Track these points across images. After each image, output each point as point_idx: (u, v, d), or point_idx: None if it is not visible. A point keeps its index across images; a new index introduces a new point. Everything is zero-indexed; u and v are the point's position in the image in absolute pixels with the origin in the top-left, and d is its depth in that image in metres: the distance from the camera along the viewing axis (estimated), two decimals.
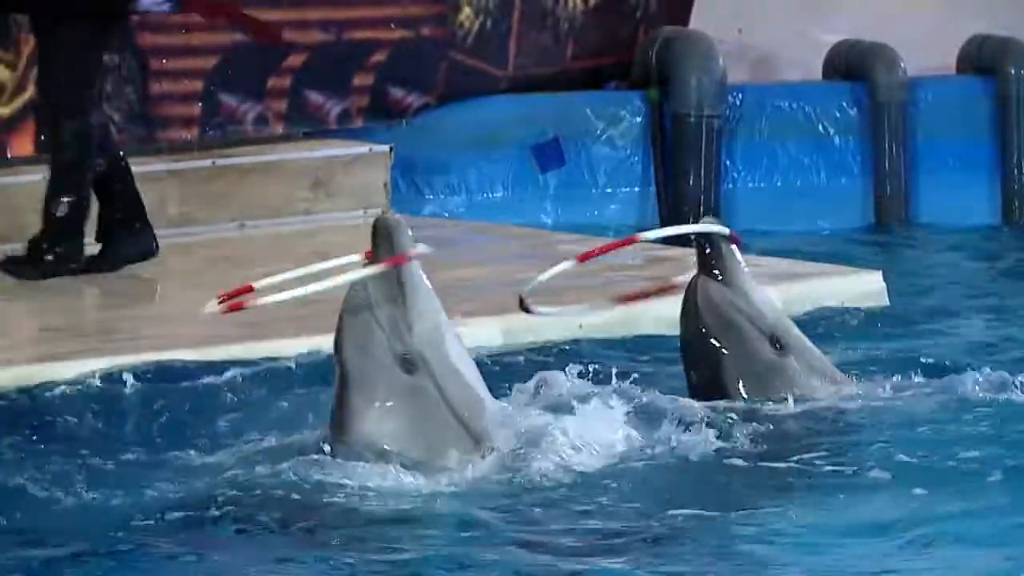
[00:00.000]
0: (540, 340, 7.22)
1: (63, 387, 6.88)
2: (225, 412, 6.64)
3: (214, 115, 10.01)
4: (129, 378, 6.81)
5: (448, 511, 5.82)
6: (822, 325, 7.57)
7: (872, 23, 11.20)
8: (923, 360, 7.01)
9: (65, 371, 7.05)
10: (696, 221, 8.94)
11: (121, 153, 8.66)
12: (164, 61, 9.72)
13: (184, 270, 8.67)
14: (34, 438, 6.42)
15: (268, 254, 8.84)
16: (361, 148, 9.95)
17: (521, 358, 7.04)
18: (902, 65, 10.81)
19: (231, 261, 8.76)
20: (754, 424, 6.35)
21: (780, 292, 7.83)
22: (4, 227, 8.77)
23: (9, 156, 9.86)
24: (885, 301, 8.12)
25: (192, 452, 6.13)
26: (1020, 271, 9.73)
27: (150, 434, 6.49)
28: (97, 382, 6.86)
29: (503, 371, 6.74)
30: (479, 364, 6.45)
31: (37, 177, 8.83)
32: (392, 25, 10.32)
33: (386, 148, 9.80)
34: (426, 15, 10.49)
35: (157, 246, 8.42)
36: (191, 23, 9.45)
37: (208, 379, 6.91)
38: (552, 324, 7.28)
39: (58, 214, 8.43)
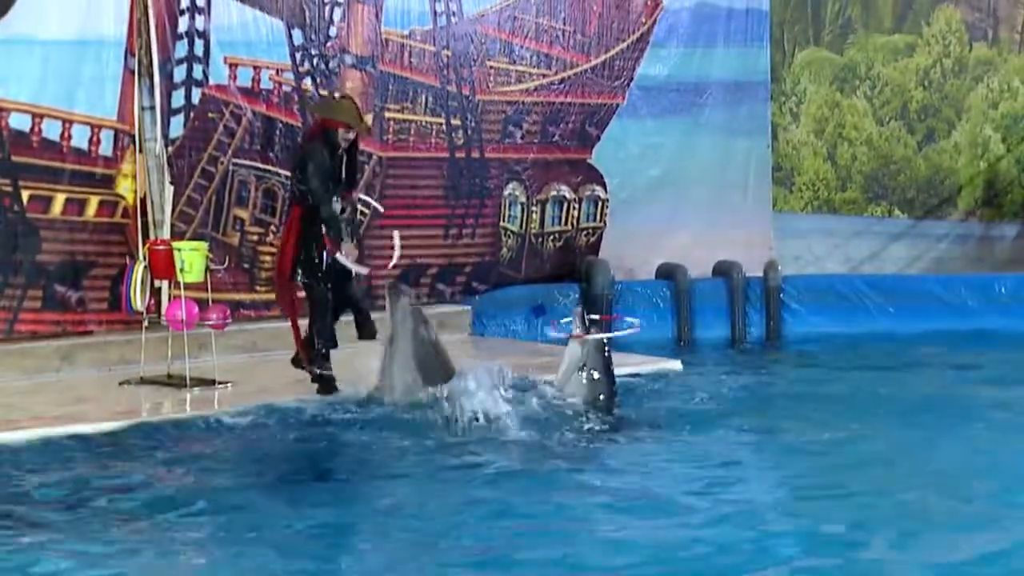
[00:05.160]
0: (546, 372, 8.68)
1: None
2: None
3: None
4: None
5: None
6: (646, 383, 9.30)
7: (678, 254, 12.42)
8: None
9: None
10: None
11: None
12: (379, 273, 10.30)
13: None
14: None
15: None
16: (460, 307, 11.47)
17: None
18: (689, 273, 12.16)
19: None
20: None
21: (634, 367, 9.42)
22: None
23: None
24: (680, 371, 9.87)
25: None
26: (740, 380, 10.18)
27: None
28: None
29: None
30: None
31: None
32: (472, 255, 11.69)
33: (469, 307, 11.44)
34: (487, 252, 11.80)
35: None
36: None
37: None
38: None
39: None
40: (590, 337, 8.14)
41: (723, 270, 12.44)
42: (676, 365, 10.17)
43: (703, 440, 7.78)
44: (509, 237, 12.12)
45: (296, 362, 8.80)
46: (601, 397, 8.28)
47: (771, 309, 12.15)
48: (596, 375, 8.32)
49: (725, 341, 12.06)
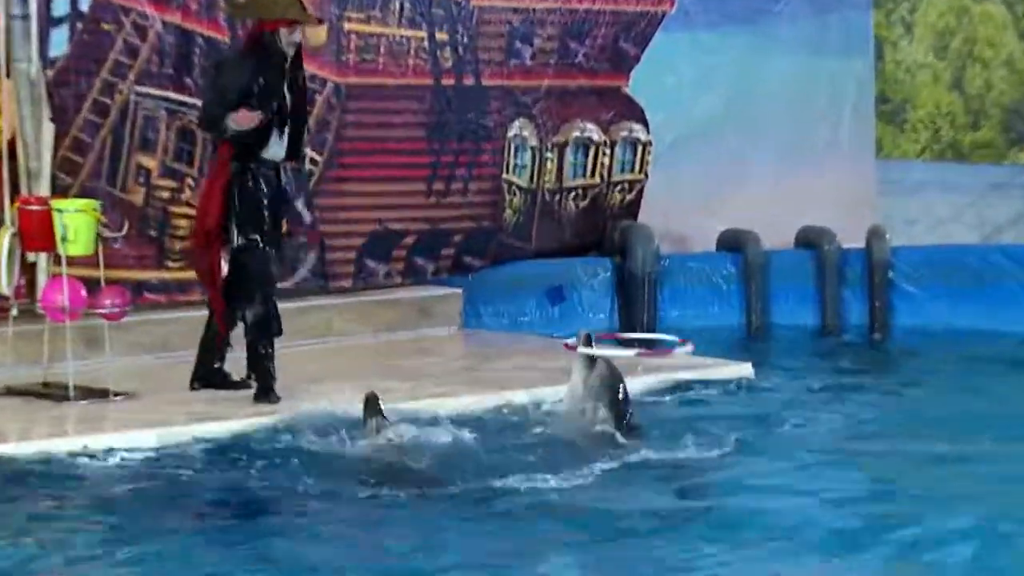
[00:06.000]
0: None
1: None
2: None
3: (361, 271, 11.21)
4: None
5: None
6: (717, 391, 9.44)
7: (744, 219, 12.36)
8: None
9: None
10: (642, 334, 10.48)
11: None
12: (335, 242, 11.06)
13: (347, 360, 10.01)
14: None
15: (397, 352, 10.32)
16: (447, 291, 11.40)
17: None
18: (763, 242, 12.14)
19: (378, 356, 10.11)
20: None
21: (692, 374, 9.62)
22: None
23: None
24: (752, 378, 9.83)
25: None
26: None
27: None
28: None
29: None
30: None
31: None
32: (466, 220, 11.67)
33: (460, 290, 11.37)
34: (485, 214, 11.78)
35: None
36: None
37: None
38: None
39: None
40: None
41: (809, 239, 12.36)
42: (745, 370, 9.81)
43: (774, 503, 7.08)
44: (515, 194, 11.95)
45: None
46: (615, 446, 7.98)
47: (876, 292, 12.11)
48: (606, 417, 8.15)
49: (812, 334, 11.95)
